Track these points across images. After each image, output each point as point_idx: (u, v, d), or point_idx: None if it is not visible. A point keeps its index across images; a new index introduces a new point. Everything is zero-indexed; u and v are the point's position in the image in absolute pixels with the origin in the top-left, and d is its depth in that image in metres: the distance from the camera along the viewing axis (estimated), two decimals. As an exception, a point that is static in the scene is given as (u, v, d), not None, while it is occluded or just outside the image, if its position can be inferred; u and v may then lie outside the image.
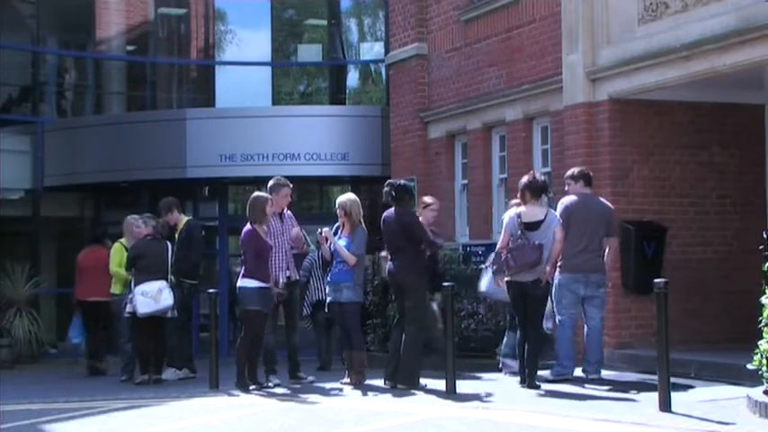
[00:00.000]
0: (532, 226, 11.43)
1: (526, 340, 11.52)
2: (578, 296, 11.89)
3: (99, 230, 17.80)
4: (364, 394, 11.81)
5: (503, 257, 11.47)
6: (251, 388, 12.27)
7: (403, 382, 11.79)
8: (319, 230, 12.78)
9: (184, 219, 14.54)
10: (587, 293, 11.89)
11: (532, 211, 11.52)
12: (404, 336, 11.88)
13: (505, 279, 11.61)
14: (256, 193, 12.76)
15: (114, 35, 23.04)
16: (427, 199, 14.02)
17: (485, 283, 12.48)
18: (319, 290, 15.43)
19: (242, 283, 12.34)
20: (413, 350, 11.85)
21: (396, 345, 12.06)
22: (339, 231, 12.56)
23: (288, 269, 12.87)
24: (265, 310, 12.37)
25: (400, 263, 11.94)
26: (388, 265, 12.24)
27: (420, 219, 12.92)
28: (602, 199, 12.34)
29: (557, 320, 11.98)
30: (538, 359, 11.57)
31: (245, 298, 12.34)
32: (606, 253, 12.04)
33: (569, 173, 12.27)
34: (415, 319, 11.91)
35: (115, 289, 14.96)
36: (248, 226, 12.39)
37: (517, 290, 11.55)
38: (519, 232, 11.40)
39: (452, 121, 17.12)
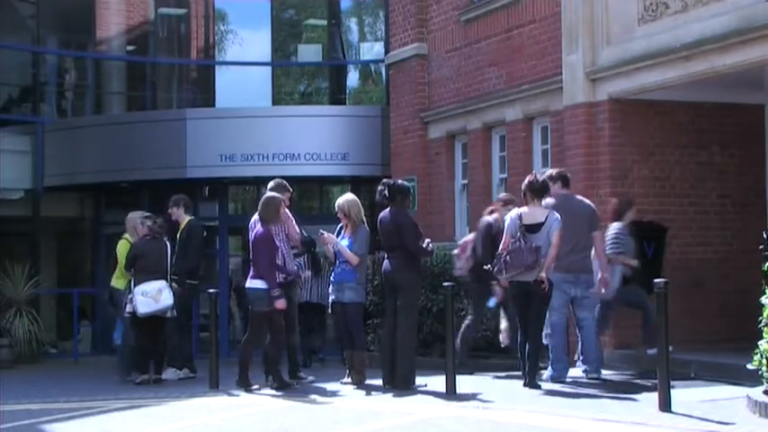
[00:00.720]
0: (533, 228, 11.41)
1: (527, 340, 11.52)
2: (569, 296, 11.92)
3: None
4: (365, 394, 11.82)
5: (502, 259, 11.47)
6: (253, 387, 12.27)
7: (401, 381, 11.79)
8: (320, 232, 12.78)
9: (187, 219, 14.54)
10: (577, 294, 11.93)
11: (533, 213, 11.50)
12: (397, 335, 11.87)
13: (507, 279, 11.61)
14: (271, 194, 12.62)
15: (114, 35, 23.05)
16: (504, 196, 13.62)
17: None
18: (307, 291, 15.50)
19: (253, 284, 12.25)
20: (407, 349, 11.85)
21: (386, 344, 12.06)
22: (342, 232, 12.55)
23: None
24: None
25: (396, 262, 11.94)
26: (384, 264, 12.24)
27: (496, 216, 12.91)
28: (579, 198, 12.31)
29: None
30: (539, 359, 11.58)
31: (257, 299, 12.26)
32: (593, 251, 12.06)
33: (547, 174, 12.28)
34: (409, 318, 11.92)
35: (117, 284, 14.85)
36: (260, 227, 12.27)
37: (519, 290, 11.53)
38: (519, 234, 11.38)
39: (452, 121, 17.12)
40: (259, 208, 12.43)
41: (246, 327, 13.40)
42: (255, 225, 12.65)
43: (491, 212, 13.32)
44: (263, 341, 12.52)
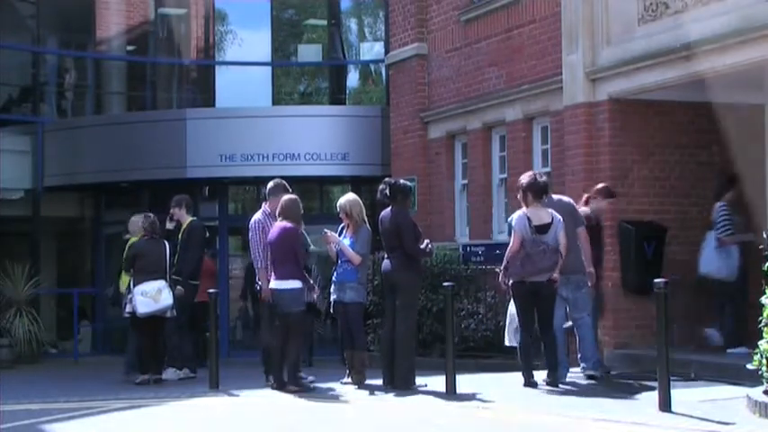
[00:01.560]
0: (542, 229, 11.37)
1: (542, 340, 11.50)
2: (562, 297, 11.90)
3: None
4: (366, 394, 11.81)
5: (518, 262, 11.38)
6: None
7: (401, 381, 11.80)
8: (324, 231, 12.76)
9: (188, 219, 14.55)
10: (569, 295, 11.89)
11: (539, 214, 11.44)
12: (396, 335, 11.87)
13: (516, 280, 11.50)
14: (293, 196, 12.42)
15: (114, 35, 23.06)
16: (600, 187, 12.97)
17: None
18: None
19: (286, 284, 11.96)
20: (407, 349, 11.85)
21: (386, 344, 12.05)
22: (344, 231, 12.55)
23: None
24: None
25: (395, 262, 11.94)
26: (383, 264, 12.23)
27: (589, 207, 12.50)
28: (557, 197, 12.24)
29: None
30: (556, 355, 11.51)
31: (293, 300, 12.00)
32: (581, 246, 12.04)
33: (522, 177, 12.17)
34: (408, 319, 11.92)
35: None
36: (289, 223, 12.01)
37: (529, 290, 11.46)
38: (533, 235, 11.31)
39: (452, 121, 17.12)
40: (282, 209, 12.11)
41: (248, 328, 13.34)
42: (256, 225, 12.61)
43: (586, 202, 12.72)
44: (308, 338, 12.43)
